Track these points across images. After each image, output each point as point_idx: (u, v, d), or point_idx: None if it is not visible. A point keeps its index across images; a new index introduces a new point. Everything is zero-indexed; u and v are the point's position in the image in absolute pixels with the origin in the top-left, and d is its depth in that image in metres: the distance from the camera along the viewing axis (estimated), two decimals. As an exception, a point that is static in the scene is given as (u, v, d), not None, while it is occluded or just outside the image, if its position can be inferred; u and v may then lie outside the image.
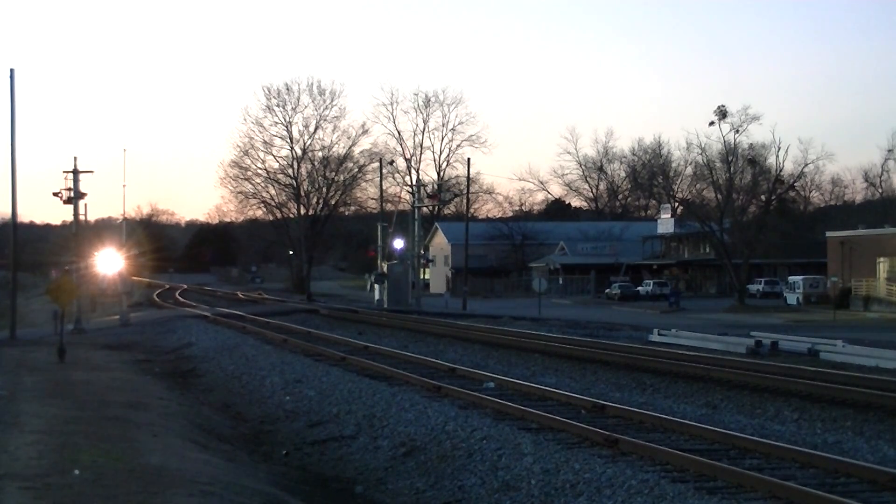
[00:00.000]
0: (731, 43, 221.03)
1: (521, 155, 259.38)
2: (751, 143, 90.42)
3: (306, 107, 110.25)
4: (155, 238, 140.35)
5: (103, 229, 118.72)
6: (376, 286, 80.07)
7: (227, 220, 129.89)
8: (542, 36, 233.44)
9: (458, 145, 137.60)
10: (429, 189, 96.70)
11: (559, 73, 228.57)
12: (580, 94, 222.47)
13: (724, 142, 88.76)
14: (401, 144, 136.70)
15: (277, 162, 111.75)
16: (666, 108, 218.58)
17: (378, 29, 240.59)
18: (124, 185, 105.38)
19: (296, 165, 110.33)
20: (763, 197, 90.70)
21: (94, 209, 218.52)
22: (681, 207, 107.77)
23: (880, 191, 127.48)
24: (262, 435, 21.16)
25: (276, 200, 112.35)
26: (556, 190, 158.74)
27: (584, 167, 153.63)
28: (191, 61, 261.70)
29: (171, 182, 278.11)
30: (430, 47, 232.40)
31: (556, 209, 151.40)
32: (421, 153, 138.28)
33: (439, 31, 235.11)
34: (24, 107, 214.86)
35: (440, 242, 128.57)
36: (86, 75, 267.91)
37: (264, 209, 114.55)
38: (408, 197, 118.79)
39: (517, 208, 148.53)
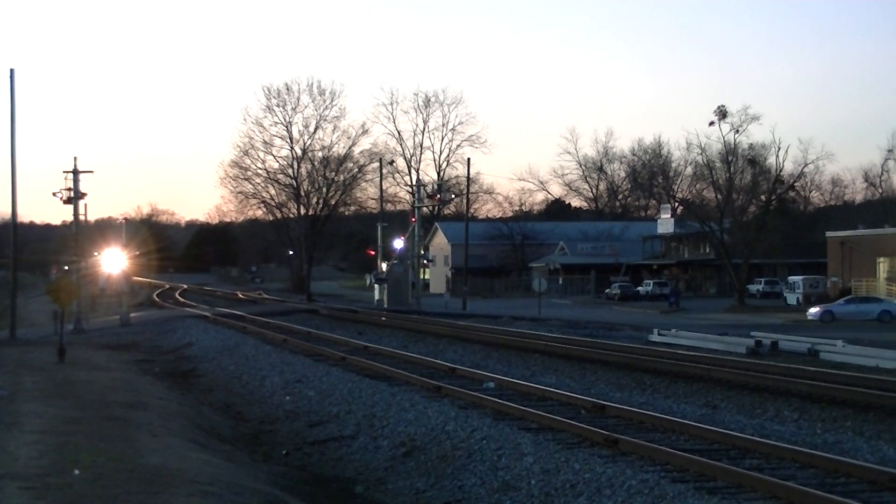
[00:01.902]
0: (731, 43, 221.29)
1: (521, 155, 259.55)
2: (751, 143, 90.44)
3: (306, 107, 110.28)
4: (155, 238, 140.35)
5: (104, 229, 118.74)
6: (376, 286, 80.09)
7: (227, 220, 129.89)
8: (542, 36, 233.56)
9: (458, 145, 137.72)
10: (429, 189, 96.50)
11: (559, 73, 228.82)
12: (580, 94, 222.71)
13: (724, 142, 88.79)
14: (401, 144, 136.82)
15: (277, 162, 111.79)
16: (666, 108, 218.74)
17: (378, 29, 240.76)
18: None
19: (296, 165, 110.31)
20: (763, 197, 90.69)
21: (94, 209, 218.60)
22: (681, 207, 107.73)
23: (880, 191, 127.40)
24: (262, 435, 21.16)
25: (276, 200, 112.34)
26: (556, 190, 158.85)
27: (584, 167, 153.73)
28: (191, 61, 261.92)
29: (171, 182, 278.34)
30: (430, 47, 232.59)
31: (556, 209, 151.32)
32: (421, 153, 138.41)
33: (439, 31, 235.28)
34: (24, 107, 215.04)
35: (440, 242, 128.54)
36: (86, 75, 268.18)
37: (264, 209, 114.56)
38: (408, 197, 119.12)
39: (517, 208, 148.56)
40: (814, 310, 63.40)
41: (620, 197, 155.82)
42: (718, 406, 21.93)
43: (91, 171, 57.09)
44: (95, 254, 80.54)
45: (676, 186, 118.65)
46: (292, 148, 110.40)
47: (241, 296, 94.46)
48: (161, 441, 16.97)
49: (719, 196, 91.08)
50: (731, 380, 24.82)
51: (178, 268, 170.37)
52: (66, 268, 58.65)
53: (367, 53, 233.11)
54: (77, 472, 13.03)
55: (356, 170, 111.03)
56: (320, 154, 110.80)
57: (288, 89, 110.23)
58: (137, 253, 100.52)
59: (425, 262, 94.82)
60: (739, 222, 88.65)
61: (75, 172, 55.60)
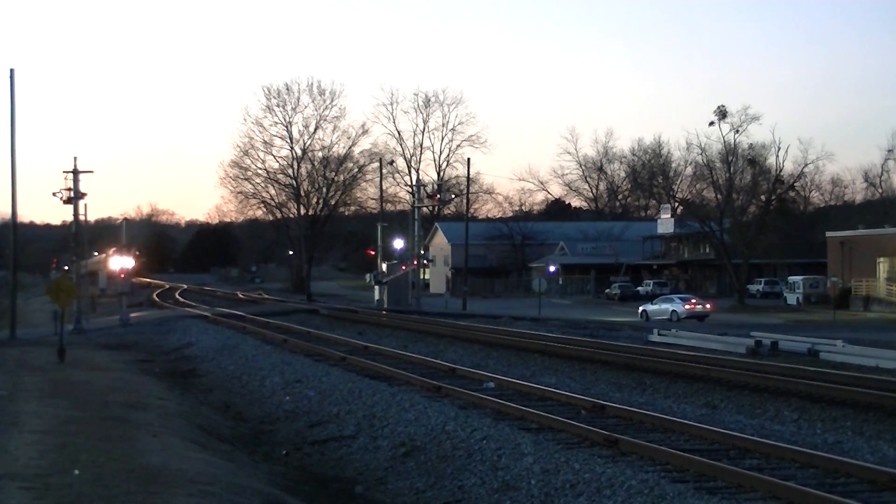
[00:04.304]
0: (730, 43, 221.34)
1: (521, 155, 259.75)
2: (751, 143, 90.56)
3: (306, 107, 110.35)
4: (155, 238, 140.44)
5: (104, 229, 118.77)
6: (376, 286, 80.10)
7: (227, 220, 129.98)
8: (542, 37, 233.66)
9: (458, 145, 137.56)
10: (429, 189, 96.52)
11: (559, 74, 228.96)
12: (580, 94, 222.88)
13: (724, 142, 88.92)
14: (401, 144, 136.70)
15: (277, 162, 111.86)
16: (666, 108, 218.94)
17: (378, 29, 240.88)
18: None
19: (296, 165, 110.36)
20: (763, 197, 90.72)
21: (94, 209, 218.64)
22: (681, 207, 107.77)
23: (880, 191, 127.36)
24: (262, 435, 21.15)
25: (276, 200, 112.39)
26: (556, 190, 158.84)
27: (584, 167, 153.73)
28: (191, 61, 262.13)
29: (171, 182, 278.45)
30: (430, 47, 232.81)
31: (556, 209, 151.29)
32: (421, 153, 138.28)
33: (439, 31, 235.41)
34: (24, 107, 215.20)
35: (440, 242, 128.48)
36: (86, 75, 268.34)
37: (264, 209, 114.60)
38: (408, 197, 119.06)
39: (517, 208, 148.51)
40: (640, 308, 68.96)
41: (620, 197, 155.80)
42: (718, 406, 21.91)
43: (91, 171, 57.20)
44: (95, 253, 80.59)
45: (676, 186, 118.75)
46: (292, 148, 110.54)
47: (240, 296, 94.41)
48: (161, 441, 16.96)
49: (719, 196, 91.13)
50: (730, 380, 24.81)
51: (178, 268, 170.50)
52: (66, 268, 58.65)
53: (367, 53, 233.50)
54: (77, 472, 13.03)
55: (356, 170, 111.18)
56: (320, 154, 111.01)
57: (288, 89, 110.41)
58: (138, 253, 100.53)
59: (425, 262, 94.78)
60: (739, 222, 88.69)
61: (75, 172, 55.61)
